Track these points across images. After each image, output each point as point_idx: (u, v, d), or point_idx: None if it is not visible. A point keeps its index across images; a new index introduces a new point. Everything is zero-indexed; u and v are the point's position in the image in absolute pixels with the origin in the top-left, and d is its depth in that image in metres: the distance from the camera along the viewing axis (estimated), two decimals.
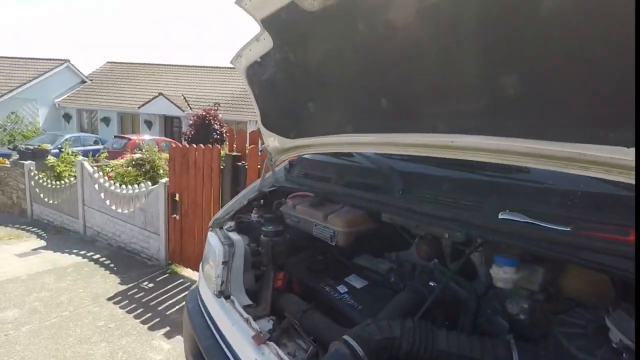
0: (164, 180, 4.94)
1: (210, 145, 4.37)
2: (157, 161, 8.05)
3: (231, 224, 1.98)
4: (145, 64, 25.44)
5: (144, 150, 8.96)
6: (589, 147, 0.92)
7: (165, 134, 19.77)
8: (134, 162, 8.22)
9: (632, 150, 0.85)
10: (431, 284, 1.44)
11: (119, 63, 25.63)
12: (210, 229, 2.01)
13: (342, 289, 1.67)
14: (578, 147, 0.94)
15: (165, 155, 7.45)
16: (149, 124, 20.38)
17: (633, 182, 0.88)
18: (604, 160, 0.91)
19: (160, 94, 19.60)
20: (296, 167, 2.32)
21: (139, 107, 19.78)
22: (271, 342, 1.26)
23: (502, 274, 1.13)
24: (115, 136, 16.40)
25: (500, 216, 1.13)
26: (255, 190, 2.27)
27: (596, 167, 0.95)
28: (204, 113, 15.82)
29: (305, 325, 1.40)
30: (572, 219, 1.01)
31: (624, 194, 0.97)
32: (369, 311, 1.48)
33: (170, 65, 25.22)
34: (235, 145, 4.24)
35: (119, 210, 5.61)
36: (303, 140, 2.00)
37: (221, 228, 1.96)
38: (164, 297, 4.11)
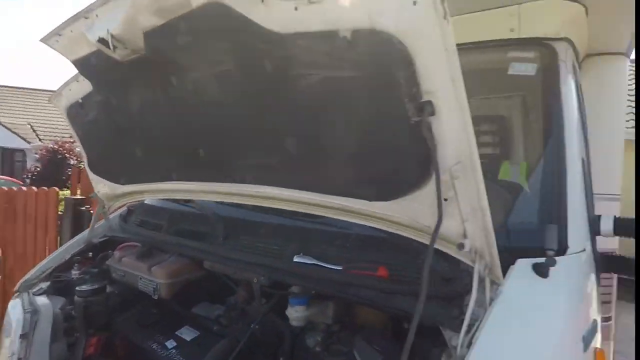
0: None
1: (45, 188, 3.83)
2: None
3: (44, 285, 1.76)
4: None
5: None
6: (347, 200, 1.12)
7: (2, 171, 16.53)
8: None
9: (373, 203, 1.06)
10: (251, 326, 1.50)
11: None
12: (16, 294, 1.74)
13: (170, 344, 1.61)
14: (341, 199, 1.13)
15: None
16: None
17: (379, 227, 1.10)
18: (358, 211, 1.11)
19: None
20: (134, 214, 2.21)
21: None
22: None
23: (294, 313, 1.25)
24: None
25: (294, 259, 1.26)
26: (82, 242, 2.07)
27: (358, 216, 1.15)
28: (55, 146, 13.83)
29: None
30: (345, 259, 1.20)
31: (376, 235, 1.19)
32: None
33: (12, 87, 21.50)
34: (79, 187, 3.82)
35: None
36: (134, 186, 1.93)
37: (29, 293, 1.72)
38: None
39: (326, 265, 1.18)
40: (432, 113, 0.81)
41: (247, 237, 1.52)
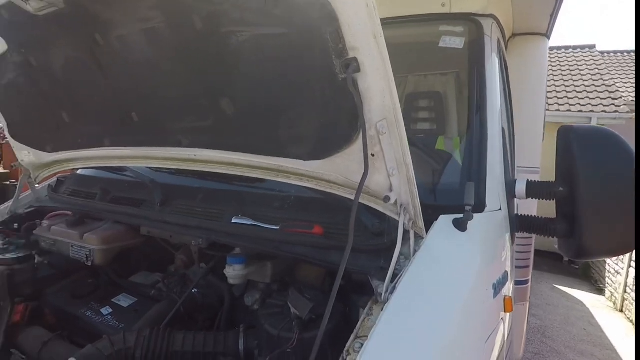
0: None
1: None
2: None
3: None
4: None
5: None
6: (283, 160, 1.14)
7: None
8: None
9: (307, 162, 1.09)
10: (194, 290, 1.50)
11: None
12: None
13: (106, 310, 1.57)
14: (277, 160, 1.15)
15: None
16: None
17: (314, 187, 1.13)
18: (294, 171, 1.14)
19: None
20: (65, 184, 2.08)
21: None
22: None
23: (232, 272, 1.28)
24: None
25: (233, 221, 1.28)
26: (5, 214, 1.93)
27: (294, 177, 1.18)
28: None
29: (45, 358, 1.27)
30: (283, 219, 1.23)
31: (313, 196, 1.23)
32: (131, 328, 1.45)
33: None
34: (1, 162, 3.51)
35: None
36: (63, 154, 1.81)
37: None
38: None
39: (264, 225, 1.21)
40: (358, 70, 0.85)
41: (185, 202, 1.50)
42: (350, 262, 1.07)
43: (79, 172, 2.15)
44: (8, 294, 1.43)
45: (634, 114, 8.09)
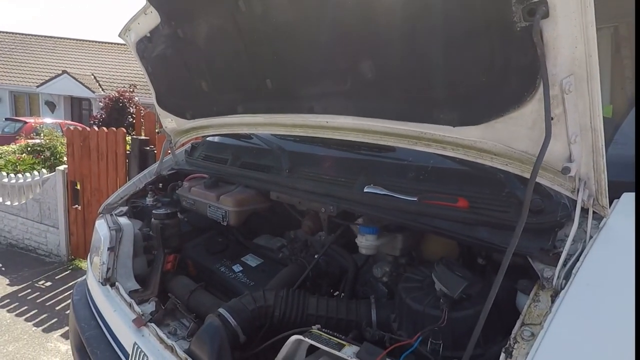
0: (62, 167, 4.49)
1: (114, 129, 4.07)
2: (60, 147, 7.32)
3: (123, 208, 1.90)
4: (44, 36, 22.48)
5: (42, 134, 8.09)
6: (427, 127, 1.05)
7: (72, 118, 17.84)
8: (29, 149, 7.38)
9: (457, 128, 0.99)
10: (316, 256, 1.53)
11: (9, 33, 22.21)
12: (100, 215, 1.91)
13: (237, 268, 1.70)
14: (419, 126, 1.06)
15: None
16: (51, 106, 18.16)
17: (460, 156, 1.03)
18: (439, 138, 1.04)
19: (64, 71, 17.53)
20: (198, 150, 2.28)
21: (37, 86, 17.53)
22: (151, 324, 1.26)
23: (364, 241, 1.25)
24: (6, 119, 14.31)
25: (365, 190, 1.24)
26: (152, 174, 2.19)
27: (435, 144, 1.08)
28: (117, 95, 14.62)
29: (192, 305, 1.41)
30: (419, 190, 1.15)
31: (457, 167, 1.12)
32: (261, 287, 1.54)
33: (76, 40, 22.62)
34: (143, 129, 4.03)
35: (8, 203, 4.99)
36: (200, 121, 1.97)
37: (112, 214, 1.87)
38: (64, 295, 3.78)
39: (399, 196, 1.15)
40: (546, 15, 0.70)
41: (311, 169, 1.51)
42: (503, 241, 0.96)
43: (208, 138, 2.33)
44: (161, 245, 1.62)
45: None
